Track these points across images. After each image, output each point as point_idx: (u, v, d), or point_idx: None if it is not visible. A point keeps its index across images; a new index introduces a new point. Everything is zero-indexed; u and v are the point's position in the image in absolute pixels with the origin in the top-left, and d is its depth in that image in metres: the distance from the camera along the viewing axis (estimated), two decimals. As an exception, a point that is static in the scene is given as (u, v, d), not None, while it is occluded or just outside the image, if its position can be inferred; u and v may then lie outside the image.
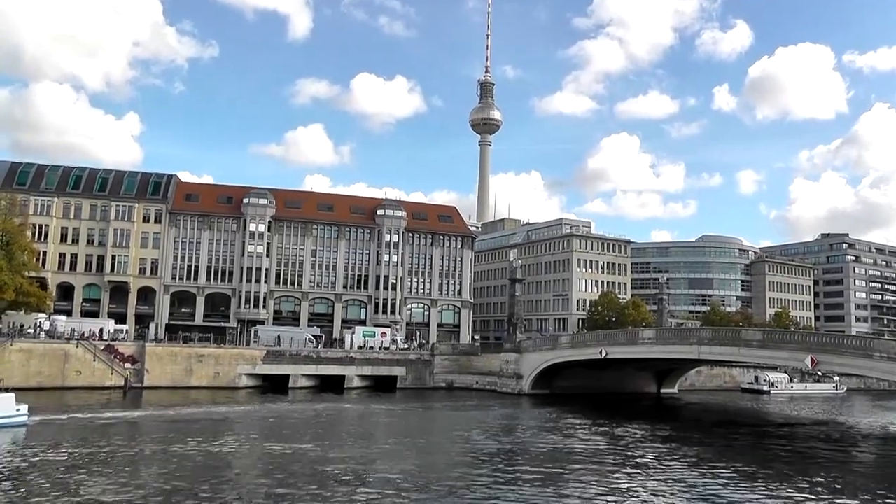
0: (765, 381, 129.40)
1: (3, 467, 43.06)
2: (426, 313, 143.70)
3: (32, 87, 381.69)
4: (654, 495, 40.57)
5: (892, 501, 40.76)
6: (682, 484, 44.13)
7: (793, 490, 42.78)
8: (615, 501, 38.83)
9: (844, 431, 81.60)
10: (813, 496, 41.25)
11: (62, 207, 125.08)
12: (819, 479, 46.97)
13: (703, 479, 45.95)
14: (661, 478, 46.16)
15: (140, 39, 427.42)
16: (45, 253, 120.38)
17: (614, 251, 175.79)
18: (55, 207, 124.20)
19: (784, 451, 62.86)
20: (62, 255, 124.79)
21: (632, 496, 40.27)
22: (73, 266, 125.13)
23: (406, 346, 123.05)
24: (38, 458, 45.61)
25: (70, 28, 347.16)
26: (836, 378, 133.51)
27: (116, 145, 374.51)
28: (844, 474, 50.03)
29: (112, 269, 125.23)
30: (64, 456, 46.70)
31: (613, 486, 42.92)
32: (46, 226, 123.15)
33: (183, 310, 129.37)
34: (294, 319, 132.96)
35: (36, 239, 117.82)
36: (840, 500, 40.76)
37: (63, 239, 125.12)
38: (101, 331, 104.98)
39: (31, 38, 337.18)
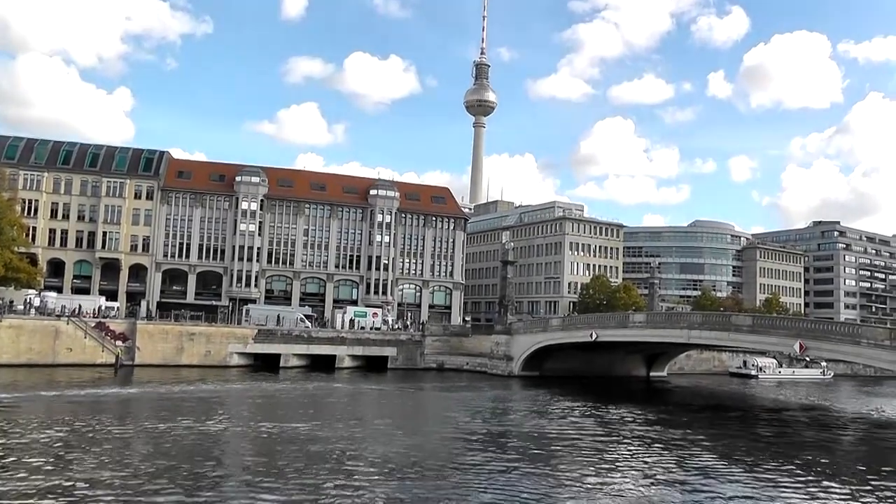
0: (753, 365, 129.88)
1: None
2: (418, 294, 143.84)
3: (20, 58, 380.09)
4: (642, 478, 40.75)
5: (876, 484, 40.97)
6: (669, 467, 44.31)
7: (777, 473, 43.02)
8: (603, 483, 38.98)
9: (830, 416, 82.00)
10: (797, 479, 41.47)
11: (52, 182, 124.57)
12: (803, 462, 47.29)
13: (689, 461, 46.16)
14: (648, 460, 46.34)
15: (132, 14, 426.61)
16: (34, 228, 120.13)
17: (607, 235, 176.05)
18: (45, 182, 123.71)
19: (770, 435, 63.22)
20: (52, 231, 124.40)
21: (619, 478, 40.48)
22: (64, 242, 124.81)
23: (397, 326, 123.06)
24: (26, 437, 45.63)
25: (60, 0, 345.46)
26: (824, 364, 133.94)
27: (108, 121, 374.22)
28: (828, 458, 50.34)
29: (103, 246, 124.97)
30: (51, 433, 46.64)
31: (601, 467, 43.16)
32: (36, 201, 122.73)
33: (174, 287, 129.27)
34: (286, 299, 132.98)
35: (25, 214, 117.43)
36: (823, 482, 40.97)
37: (53, 214, 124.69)
38: (92, 308, 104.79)
39: (19, 9, 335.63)
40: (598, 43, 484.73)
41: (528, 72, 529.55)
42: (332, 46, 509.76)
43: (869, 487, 40.48)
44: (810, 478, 42.36)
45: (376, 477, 37.87)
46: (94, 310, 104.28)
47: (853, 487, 40.27)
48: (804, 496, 37.66)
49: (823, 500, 37.05)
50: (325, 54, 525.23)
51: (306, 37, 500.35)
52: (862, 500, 37.51)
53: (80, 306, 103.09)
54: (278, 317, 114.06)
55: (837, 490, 39.45)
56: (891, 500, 37.50)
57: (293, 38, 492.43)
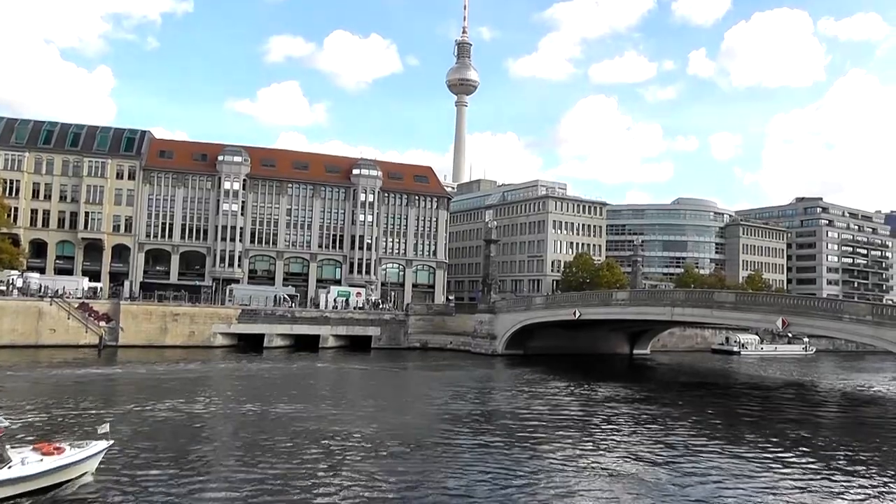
0: (735, 342, 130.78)
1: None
2: (401, 273, 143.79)
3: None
4: (625, 456, 41.11)
5: (855, 459, 41.43)
6: (652, 444, 44.70)
7: (758, 449, 43.48)
8: (585, 460, 39.31)
9: (811, 392, 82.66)
10: (778, 454, 41.89)
11: (33, 162, 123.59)
12: (783, 437, 47.76)
13: (671, 439, 46.63)
14: (631, 438, 46.78)
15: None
16: (16, 209, 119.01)
17: (590, 213, 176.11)
18: (26, 162, 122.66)
19: (751, 411, 63.85)
20: (34, 212, 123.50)
21: (602, 455, 40.80)
22: (46, 222, 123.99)
23: (381, 306, 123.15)
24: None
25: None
26: (806, 339, 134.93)
27: (89, 100, 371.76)
28: (808, 433, 50.70)
29: (85, 226, 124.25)
30: (34, 414, 46.68)
31: (584, 445, 43.52)
32: (17, 181, 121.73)
33: (157, 268, 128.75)
34: (269, 278, 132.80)
35: (7, 195, 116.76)
36: (803, 458, 41.38)
37: (35, 195, 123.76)
38: (75, 288, 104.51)
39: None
40: (579, 22, 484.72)
41: (509, 51, 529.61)
42: (312, 25, 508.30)
43: (848, 462, 40.98)
44: (790, 454, 42.81)
45: (361, 457, 38.09)
46: (77, 290, 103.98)
47: (833, 463, 40.74)
48: (784, 472, 38.06)
49: (803, 476, 37.38)
50: (305, 33, 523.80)
51: (287, 15, 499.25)
52: (842, 475, 37.91)
53: (63, 287, 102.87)
54: (261, 297, 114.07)
55: (817, 465, 39.88)
56: (870, 475, 37.95)
57: (273, 16, 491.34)
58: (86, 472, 31.45)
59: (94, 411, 48.57)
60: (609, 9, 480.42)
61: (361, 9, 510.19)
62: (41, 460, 29.79)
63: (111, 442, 33.36)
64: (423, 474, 35.31)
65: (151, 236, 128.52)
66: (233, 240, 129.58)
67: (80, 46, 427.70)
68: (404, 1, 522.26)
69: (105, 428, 33.27)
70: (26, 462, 29.33)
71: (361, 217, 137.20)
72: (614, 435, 47.80)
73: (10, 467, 28.77)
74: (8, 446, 30.15)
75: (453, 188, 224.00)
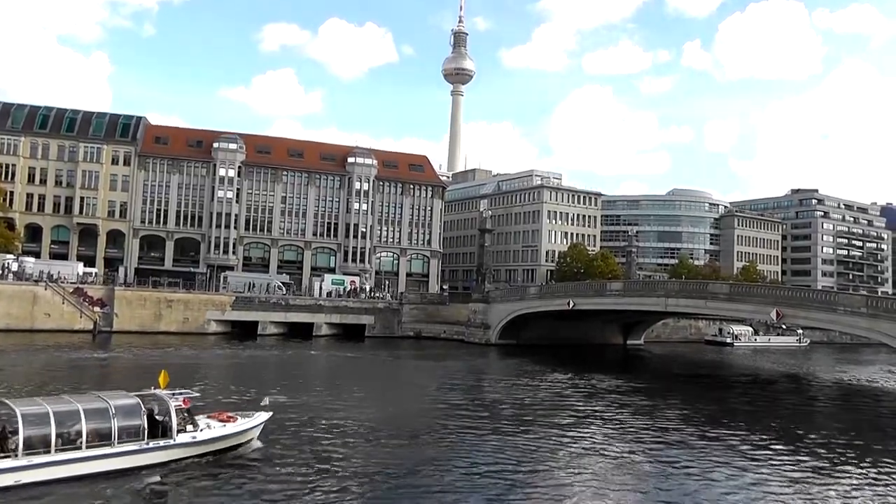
0: (728, 333, 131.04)
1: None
2: (395, 262, 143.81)
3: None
4: (617, 448, 41.27)
5: (844, 448, 41.66)
6: (644, 436, 44.89)
7: (751, 439, 43.69)
8: (577, 450, 39.47)
9: (803, 383, 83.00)
10: (768, 446, 42.10)
11: (29, 147, 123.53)
12: (776, 426, 48.03)
13: (664, 428, 46.74)
14: (623, 430, 46.93)
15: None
16: (11, 193, 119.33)
17: (585, 203, 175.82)
18: (22, 147, 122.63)
19: (742, 403, 64.05)
20: (30, 196, 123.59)
21: (594, 446, 40.95)
22: (42, 207, 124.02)
23: (376, 294, 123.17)
24: None
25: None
26: (800, 331, 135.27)
27: (85, 86, 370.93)
28: (798, 423, 50.95)
29: (81, 211, 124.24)
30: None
31: (576, 435, 43.59)
32: (13, 165, 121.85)
33: (152, 254, 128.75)
34: (263, 266, 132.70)
35: (2, 179, 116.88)
36: (793, 446, 41.59)
37: (31, 179, 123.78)
38: (70, 273, 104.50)
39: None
40: (573, 12, 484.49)
41: (504, 41, 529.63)
42: (307, 13, 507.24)
43: (840, 454, 41.20)
44: (781, 445, 42.98)
45: (353, 444, 38.24)
46: (71, 275, 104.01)
47: (825, 454, 40.97)
48: (776, 463, 38.25)
49: (795, 467, 37.56)
50: (300, 20, 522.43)
51: (281, 3, 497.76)
52: (834, 466, 38.12)
53: (58, 272, 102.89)
54: (255, 284, 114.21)
55: (809, 457, 40.06)
56: (861, 466, 38.17)
57: (268, 4, 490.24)
58: (252, 438, 36.64)
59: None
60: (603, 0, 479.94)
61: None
62: (224, 426, 35.14)
63: (271, 413, 38.19)
64: (414, 463, 35.42)
65: (146, 222, 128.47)
66: (227, 227, 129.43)
67: (77, 32, 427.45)
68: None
69: (266, 401, 39.07)
70: (212, 427, 34.58)
71: (356, 205, 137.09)
72: (607, 425, 47.99)
73: (201, 430, 33.80)
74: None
75: (448, 177, 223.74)
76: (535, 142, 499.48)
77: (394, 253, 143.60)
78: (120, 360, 74.88)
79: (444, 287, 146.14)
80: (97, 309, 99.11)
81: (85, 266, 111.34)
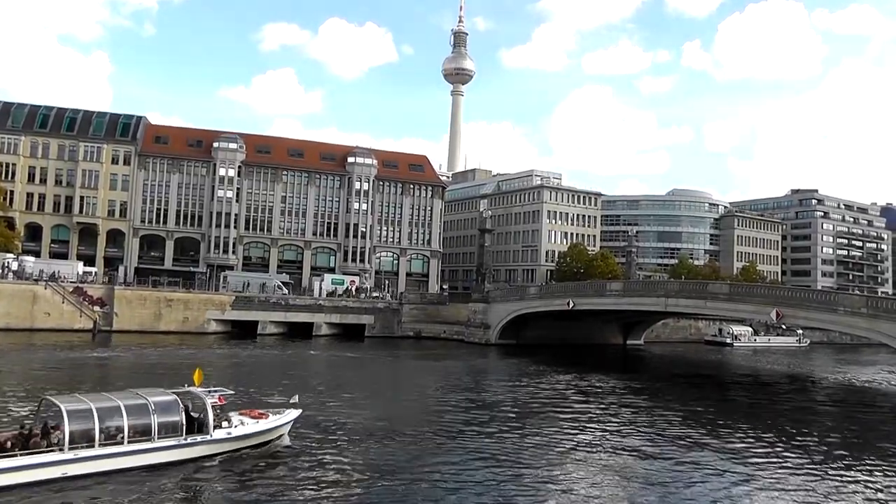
0: (728, 333, 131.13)
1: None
2: (395, 262, 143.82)
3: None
4: (617, 446, 41.25)
5: (847, 453, 41.68)
6: (644, 436, 44.88)
7: (752, 439, 43.70)
8: (577, 450, 39.51)
9: (802, 383, 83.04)
10: (768, 448, 42.13)
11: (29, 146, 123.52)
12: (775, 427, 47.90)
13: (664, 428, 46.73)
14: (624, 429, 46.88)
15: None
16: (12, 192, 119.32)
17: (585, 203, 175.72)
18: (22, 146, 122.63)
19: (742, 402, 64.18)
20: (30, 195, 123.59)
21: (594, 446, 40.96)
22: (42, 206, 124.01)
23: (375, 294, 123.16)
24: None
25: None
26: (800, 331, 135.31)
27: (85, 85, 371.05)
28: (797, 423, 50.80)
29: (81, 211, 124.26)
30: (25, 395, 46.76)
31: (576, 435, 43.62)
32: (13, 164, 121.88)
33: (152, 253, 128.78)
34: (263, 266, 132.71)
35: (2, 178, 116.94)
36: (792, 447, 41.59)
37: (31, 178, 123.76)
38: (70, 273, 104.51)
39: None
40: (573, 13, 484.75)
41: (504, 41, 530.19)
42: (307, 12, 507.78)
43: (839, 455, 41.20)
44: (780, 446, 42.96)
45: (353, 444, 38.27)
46: (71, 275, 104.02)
47: (824, 455, 40.96)
48: (775, 463, 38.25)
49: (794, 468, 37.57)
50: (300, 20, 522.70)
51: (281, 3, 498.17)
52: (833, 467, 38.11)
53: (58, 271, 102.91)
54: (255, 284, 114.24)
55: (807, 458, 40.05)
56: (859, 467, 38.18)
57: (268, 4, 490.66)
58: (282, 434, 37.88)
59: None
60: (603, 0, 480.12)
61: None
62: (257, 422, 36.35)
63: (300, 410, 39.17)
64: (413, 463, 35.46)
65: (146, 222, 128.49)
66: (227, 226, 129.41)
67: (77, 32, 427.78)
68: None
69: (296, 399, 40.09)
70: (245, 423, 35.79)
71: (356, 205, 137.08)
72: (607, 425, 47.92)
73: (235, 427, 35.06)
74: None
75: (448, 177, 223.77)
76: (535, 142, 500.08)
77: (394, 253, 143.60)
78: (120, 360, 74.90)
79: (444, 287, 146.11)
80: (97, 308, 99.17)
81: (85, 265, 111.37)
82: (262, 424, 36.49)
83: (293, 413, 38.67)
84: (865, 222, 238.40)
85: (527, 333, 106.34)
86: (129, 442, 31.22)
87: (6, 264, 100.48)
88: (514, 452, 38.28)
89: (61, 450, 29.58)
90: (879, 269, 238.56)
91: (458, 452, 38.19)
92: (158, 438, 32.07)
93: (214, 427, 33.97)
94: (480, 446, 39.63)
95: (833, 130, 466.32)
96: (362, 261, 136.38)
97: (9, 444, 29.37)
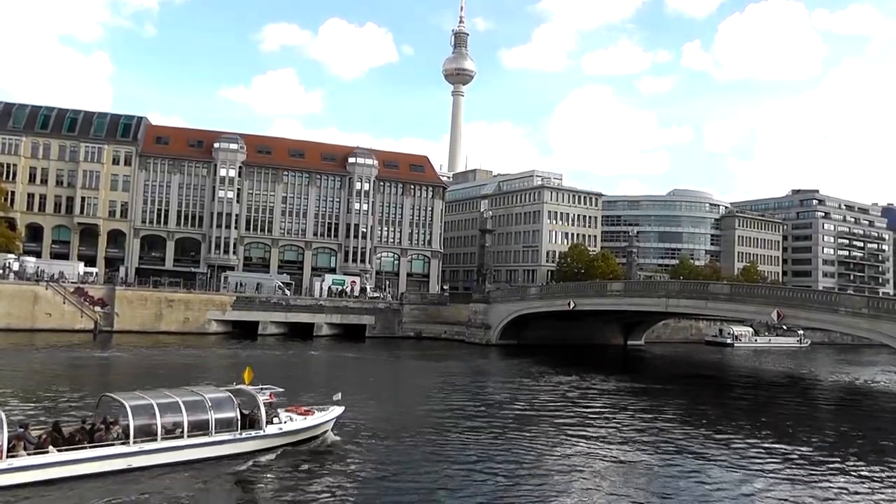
0: (728, 333, 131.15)
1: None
2: (396, 262, 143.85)
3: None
4: (618, 447, 41.23)
5: (844, 448, 41.67)
6: (645, 434, 44.87)
7: (753, 440, 43.65)
8: (578, 451, 39.46)
9: (802, 384, 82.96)
10: (772, 443, 42.12)
11: (30, 147, 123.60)
12: (775, 428, 47.91)
13: (665, 429, 46.71)
14: (625, 430, 46.84)
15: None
16: (13, 193, 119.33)
17: (585, 203, 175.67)
18: (23, 147, 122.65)
19: (742, 403, 64.18)
20: (31, 196, 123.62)
21: (595, 447, 40.89)
22: (42, 207, 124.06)
23: (376, 295, 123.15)
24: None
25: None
26: (801, 332, 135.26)
27: (86, 86, 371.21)
28: (797, 424, 50.79)
29: (82, 211, 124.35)
30: (25, 396, 46.78)
31: (577, 436, 43.50)
32: (14, 165, 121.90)
33: (153, 254, 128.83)
34: (264, 266, 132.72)
35: (3, 179, 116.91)
36: (792, 449, 41.55)
37: (32, 179, 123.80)
38: (71, 273, 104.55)
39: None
40: (573, 13, 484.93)
41: (504, 41, 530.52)
42: (307, 13, 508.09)
43: (841, 456, 41.20)
44: (781, 446, 42.91)
45: (354, 444, 38.30)
46: (72, 275, 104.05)
47: (824, 457, 40.96)
48: (776, 464, 38.24)
49: (794, 468, 37.56)
50: (300, 21, 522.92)
51: (281, 3, 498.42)
52: (834, 468, 38.12)
53: (59, 272, 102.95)
54: (257, 284, 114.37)
55: (808, 459, 40.03)
56: (862, 468, 38.17)
57: (268, 4, 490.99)
58: (327, 431, 39.03)
59: (82, 396, 48.60)
60: (603, 0, 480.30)
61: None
62: (305, 419, 37.73)
63: (343, 408, 40.40)
64: (414, 463, 35.51)
65: (147, 222, 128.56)
66: (228, 227, 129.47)
67: (78, 32, 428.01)
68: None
69: (338, 396, 40.82)
70: (294, 419, 37.09)
71: (357, 205, 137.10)
72: (608, 426, 47.88)
73: (284, 423, 36.31)
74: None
75: (449, 177, 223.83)
76: (536, 142, 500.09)
77: (394, 253, 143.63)
78: (121, 360, 74.98)
79: (445, 287, 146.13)
80: (98, 309, 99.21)
81: (86, 266, 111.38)
82: (310, 421, 37.83)
83: (337, 410, 39.94)
84: (866, 222, 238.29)
85: (528, 334, 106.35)
86: (188, 436, 32.75)
87: (7, 265, 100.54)
88: (512, 453, 38.26)
89: (126, 443, 31.04)
90: (880, 269, 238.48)
91: (461, 453, 38.22)
92: (215, 433, 33.54)
93: (266, 423, 35.37)
94: (483, 447, 39.67)
95: (833, 130, 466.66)
96: (363, 261, 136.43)
97: (77, 437, 30.92)
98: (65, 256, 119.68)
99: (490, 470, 34.82)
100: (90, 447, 30.54)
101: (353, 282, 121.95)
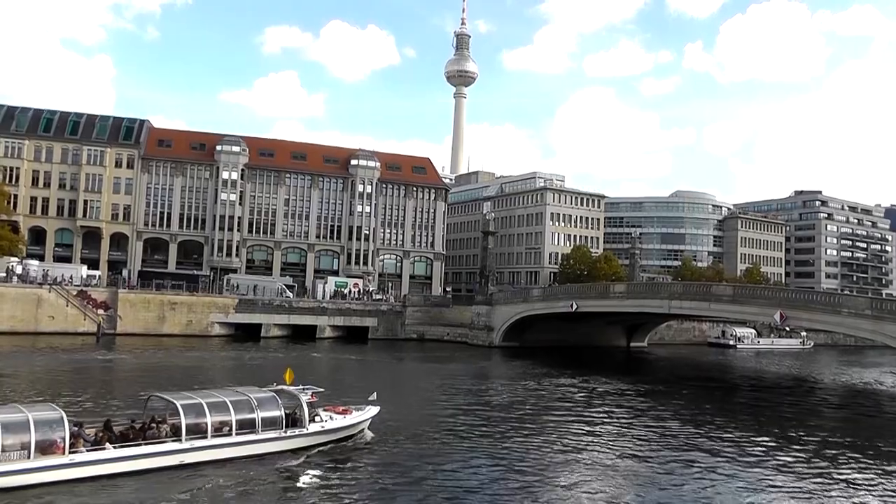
0: (731, 335, 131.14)
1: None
2: (398, 265, 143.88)
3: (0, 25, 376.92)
4: (621, 449, 41.18)
5: (847, 453, 41.60)
6: (648, 436, 44.84)
7: (756, 442, 43.61)
8: (581, 453, 39.40)
9: (805, 385, 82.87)
10: (775, 445, 42.10)
11: (33, 150, 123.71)
12: (778, 430, 47.89)
13: (668, 431, 46.69)
14: (628, 432, 46.83)
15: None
16: (15, 196, 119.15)
17: (588, 205, 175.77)
18: (26, 150, 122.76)
19: (745, 405, 64.09)
20: (34, 199, 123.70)
21: (598, 449, 40.88)
22: (45, 210, 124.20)
23: (379, 297, 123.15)
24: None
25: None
26: (804, 333, 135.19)
27: (88, 89, 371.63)
28: (803, 426, 50.69)
29: (84, 214, 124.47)
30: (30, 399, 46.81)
31: (580, 438, 43.51)
32: (17, 168, 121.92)
33: (156, 257, 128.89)
34: (266, 268, 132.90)
35: (6, 182, 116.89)
36: (795, 451, 41.53)
37: (34, 182, 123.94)
38: (74, 276, 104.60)
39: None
40: (574, 15, 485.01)
41: (505, 43, 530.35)
42: (308, 15, 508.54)
43: (844, 458, 41.12)
44: (783, 449, 42.94)
45: (352, 447, 38.32)
46: (75, 278, 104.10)
47: (827, 460, 40.89)
48: (779, 466, 38.21)
49: (798, 470, 37.51)
50: (301, 23, 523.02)
51: (283, 5, 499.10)
52: (838, 470, 38.06)
53: (62, 275, 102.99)
54: (259, 287, 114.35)
55: (811, 462, 40.00)
56: (866, 470, 38.12)
57: (270, 6, 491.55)
58: (364, 429, 40.72)
59: (90, 398, 48.63)
60: (604, 2, 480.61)
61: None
62: (344, 418, 39.42)
63: (379, 407, 42.00)
64: (417, 466, 35.50)
65: (150, 225, 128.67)
66: (231, 229, 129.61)
67: (80, 35, 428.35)
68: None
69: (374, 396, 42.54)
70: (334, 418, 38.78)
71: (359, 208, 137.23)
72: (611, 428, 47.83)
73: (325, 421, 37.98)
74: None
75: (451, 179, 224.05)
76: (538, 144, 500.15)
77: (397, 255, 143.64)
78: (125, 363, 75.07)
79: (448, 289, 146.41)
80: (101, 311, 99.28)
81: (88, 269, 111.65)
82: (349, 419, 39.53)
83: (374, 409, 41.52)
84: (869, 223, 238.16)
85: (530, 336, 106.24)
86: (236, 434, 34.26)
87: (10, 268, 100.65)
88: (515, 455, 38.27)
89: (179, 440, 32.53)
90: (884, 270, 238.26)
91: (466, 455, 38.30)
92: (262, 431, 35.01)
93: (308, 421, 36.92)
94: (489, 449, 39.77)
95: (836, 131, 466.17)
96: (365, 263, 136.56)
97: (130, 434, 32.43)
98: (68, 259, 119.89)
99: (494, 473, 34.99)
100: (145, 444, 31.91)
101: (356, 284, 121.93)
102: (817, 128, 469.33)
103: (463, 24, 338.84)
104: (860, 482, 35.78)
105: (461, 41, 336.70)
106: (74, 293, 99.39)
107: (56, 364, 69.13)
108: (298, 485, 32.05)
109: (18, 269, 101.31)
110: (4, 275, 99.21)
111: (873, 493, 34.19)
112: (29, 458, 28.89)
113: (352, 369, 79.87)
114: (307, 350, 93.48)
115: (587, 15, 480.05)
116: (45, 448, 29.43)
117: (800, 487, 34.22)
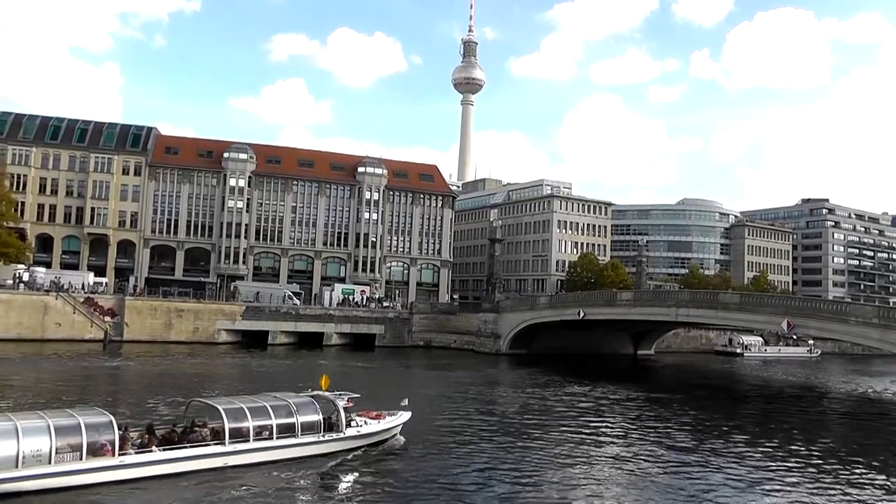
0: (738, 343, 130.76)
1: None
2: (405, 272, 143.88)
3: (8, 33, 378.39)
4: (629, 458, 41.10)
5: (856, 464, 41.44)
6: (656, 445, 44.69)
7: (763, 451, 43.48)
8: (588, 461, 39.38)
9: (812, 394, 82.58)
10: (782, 454, 41.99)
11: (40, 158, 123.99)
12: (786, 438, 47.73)
13: (675, 440, 46.59)
14: (636, 440, 46.76)
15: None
16: (23, 204, 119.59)
17: (595, 213, 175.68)
18: (33, 157, 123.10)
19: (753, 414, 63.97)
20: (41, 206, 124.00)
21: (605, 457, 40.85)
22: (52, 217, 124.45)
23: (386, 304, 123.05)
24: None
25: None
26: (811, 342, 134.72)
27: (96, 97, 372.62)
28: (809, 435, 50.55)
29: (91, 221, 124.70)
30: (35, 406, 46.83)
31: (587, 446, 43.47)
32: (25, 176, 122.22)
33: (163, 264, 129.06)
34: (273, 276, 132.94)
35: (14, 189, 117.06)
36: (803, 461, 41.38)
37: (42, 190, 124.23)
38: (81, 283, 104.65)
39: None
40: (581, 22, 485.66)
41: (512, 51, 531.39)
42: (316, 23, 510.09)
43: (851, 468, 40.97)
44: (791, 460, 42.79)
45: (360, 453, 38.33)
46: (82, 285, 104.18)
47: (835, 470, 40.76)
48: (785, 475, 38.10)
49: (803, 480, 37.38)
50: (308, 31, 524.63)
51: (290, 13, 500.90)
52: (844, 480, 37.92)
53: (69, 282, 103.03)
54: (266, 294, 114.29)
55: (818, 472, 39.84)
56: (873, 480, 37.97)
57: (277, 14, 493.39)
58: (395, 434, 41.90)
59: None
60: (611, 10, 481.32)
61: (365, 7, 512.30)
62: (378, 422, 40.46)
63: (411, 412, 42.94)
64: (424, 472, 35.53)
65: (157, 232, 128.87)
66: (238, 237, 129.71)
67: (88, 44, 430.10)
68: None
69: (405, 402, 43.34)
70: (369, 423, 39.84)
71: (366, 215, 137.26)
72: (619, 437, 47.73)
73: (360, 426, 39.11)
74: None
75: (458, 187, 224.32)
76: (545, 151, 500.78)
77: (404, 262, 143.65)
78: (131, 370, 75.20)
79: (455, 297, 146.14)
80: (108, 318, 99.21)
81: (95, 276, 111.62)
82: (383, 424, 40.63)
83: (406, 414, 42.59)
84: (877, 231, 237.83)
85: (537, 343, 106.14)
86: (276, 437, 35.38)
87: (17, 275, 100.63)
88: (522, 463, 38.40)
89: (222, 443, 33.62)
90: (891, 278, 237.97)
91: (489, 461, 38.81)
92: (301, 435, 36.10)
93: (345, 426, 37.96)
94: (509, 455, 40.10)
95: (843, 139, 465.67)
96: (373, 271, 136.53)
97: (175, 437, 33.79)
98: (75, 267, 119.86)
99: (503, 475, 34.99)
100: (189, 447, 33.09)
101: (363, 291, 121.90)
102: (824, 135, 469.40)
103: (470, 31, 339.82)
104: (868, 493, 35.61)
105: (468, 48, 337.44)
106: (81, 300, 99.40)
107: (63, 371, 69.19)
108: (338, 488, 32.81)
109: (25, 276, 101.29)
110: (11, 282, 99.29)
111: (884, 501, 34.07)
112: (81, 459, 30.03)
113: (357, 376, 79.84)
114: (314, 357, 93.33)
115: (594, 22, 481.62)
116: (96, 450, 30.55)
117: (806, 499, 34.07)
